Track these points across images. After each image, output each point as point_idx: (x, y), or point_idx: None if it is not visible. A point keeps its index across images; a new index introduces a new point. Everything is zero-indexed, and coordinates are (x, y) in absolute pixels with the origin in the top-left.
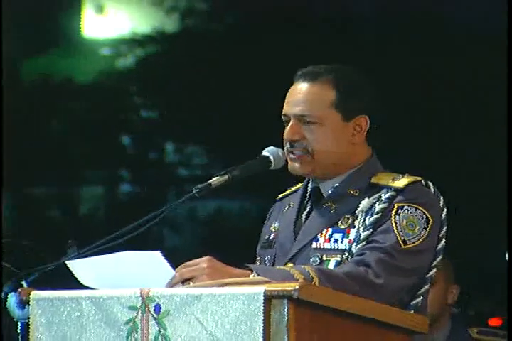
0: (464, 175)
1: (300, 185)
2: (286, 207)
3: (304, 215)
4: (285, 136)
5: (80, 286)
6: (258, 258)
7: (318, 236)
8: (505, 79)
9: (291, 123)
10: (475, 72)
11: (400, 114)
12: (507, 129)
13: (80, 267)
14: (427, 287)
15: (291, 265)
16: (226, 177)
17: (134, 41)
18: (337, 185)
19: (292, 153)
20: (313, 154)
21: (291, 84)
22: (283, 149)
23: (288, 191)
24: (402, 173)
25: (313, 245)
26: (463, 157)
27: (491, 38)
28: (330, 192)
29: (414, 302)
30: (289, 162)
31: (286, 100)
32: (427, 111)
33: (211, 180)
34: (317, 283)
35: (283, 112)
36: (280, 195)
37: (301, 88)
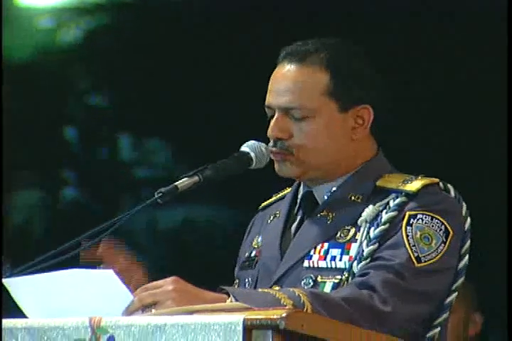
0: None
1: (289, 190)
2: (271, 218)
3: (293, 227)
4: (269, 132)
5: (16, 313)
6: (237, 280)
7: (312, 252)
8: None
9: (276, 116)
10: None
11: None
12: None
13: (19, 286)
14: (445, 315)
15: (277, 288)
16: (196, 178)
17: (80, 10)
18: (335, 189)
19: (276, 153)
20: (299, 154)
21: (275, 67)
22: (267, 144)
23: (273, 198)
24: (415, 174)
25: (305, 263)
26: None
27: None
28: (326, 198)
29: (430, 334)
30: (275, 163)
31: (269, 88)
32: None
33: (177, 183)
34: (309, 310)
35: (266, 103)
36: (263, 204)
37: (286, 72)
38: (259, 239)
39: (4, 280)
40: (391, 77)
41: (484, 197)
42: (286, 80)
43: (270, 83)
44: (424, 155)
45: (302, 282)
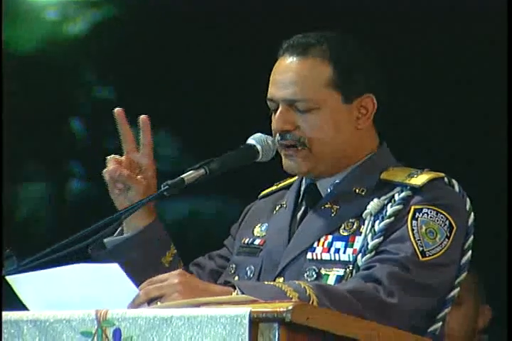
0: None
1: (291, 179)
2: (277, 208)
3: (298, 218)
4: (274, 125)
5: (20, 306)
6: (233, 265)
7: (315, 244)
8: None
9: (279, 109)
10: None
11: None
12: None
13: (23, 283)
14: (447, 310)
15: (281, 280)
16: (202, 171)
17: (86, 2)
18: (338, 181)
19: (286, 148)
20: (311, 146)
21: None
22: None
23: (274, 187)
24: (420, 168)
25: (309, 256)
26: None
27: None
28: (329, 190)
29: (432, 328)
30: (284, 159)
31: (271, 80)
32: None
33: (184, 175)
34: (315, 303)
35: (268, 96)
36: (263, 192)
37: (289, 65)
38: (263, 228)
39: (8, 278)
40: (390, 77)
41: (484, 193)
42: (289, 72)
43: (272, 76)
44: (424, 147)
45: (305, 274)
